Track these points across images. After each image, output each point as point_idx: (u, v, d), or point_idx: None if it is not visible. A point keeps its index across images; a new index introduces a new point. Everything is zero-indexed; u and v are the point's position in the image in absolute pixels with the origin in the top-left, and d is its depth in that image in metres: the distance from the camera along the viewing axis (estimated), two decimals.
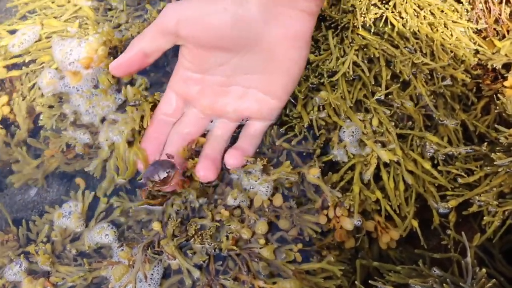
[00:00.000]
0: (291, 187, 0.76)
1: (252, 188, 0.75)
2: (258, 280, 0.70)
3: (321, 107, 0.80)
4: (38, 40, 0.89)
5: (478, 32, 0.88)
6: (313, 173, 0.76)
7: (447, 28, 0.85)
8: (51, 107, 0.84)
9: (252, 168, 0.75)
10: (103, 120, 0.81)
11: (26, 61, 0.87)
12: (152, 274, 0.72)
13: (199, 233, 0.73)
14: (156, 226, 0.74)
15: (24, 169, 0.81)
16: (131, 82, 0.83)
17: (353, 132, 0.78)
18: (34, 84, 0.85)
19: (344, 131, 0.79)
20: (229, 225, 0.73)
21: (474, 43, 0.86)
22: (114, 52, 0.85)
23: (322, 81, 0.81)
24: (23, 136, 0.83)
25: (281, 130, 0.80)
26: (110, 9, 0.91)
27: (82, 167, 0.80)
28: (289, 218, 0.74)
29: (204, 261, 0.72)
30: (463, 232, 0.71)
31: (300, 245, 0.73)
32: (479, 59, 0.86)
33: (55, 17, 0.90)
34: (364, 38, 0.84)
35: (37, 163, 0.81)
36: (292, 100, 0.80)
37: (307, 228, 0.74)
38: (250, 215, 0.74)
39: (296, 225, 0.74)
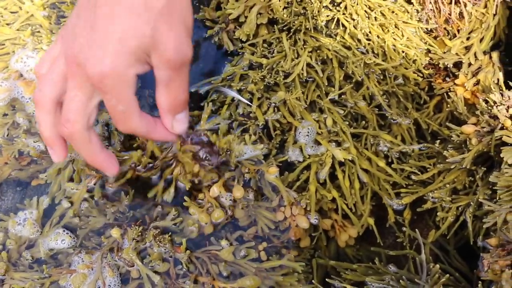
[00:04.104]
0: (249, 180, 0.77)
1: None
2: (218, 281, 0.70)
3: (276, 108, 0.80)
4: None
5: (428, 32, 0.89)
6: (271, 172, 0.76)
7: (398, 29, 0.87)
8: (4, 115, 0.83)
9: None
10: None
11: None
12: (110, 281, 0.71)
13: (158, 238, 0.72)
14: (114, 232, 0.73)
15: None
16: None
17: (308, 132, 0.79)
18: None
19: (299, 132, 0.79)
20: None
21: (425, 43, 0.88)
22: None
23: (277, 80, 0.81)
24: None
25: (235, 131, 0.80)
26: (63, 17, 0.90)
27: (36, 171, 0.79)
28: (245, 208, 0.75)
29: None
30: (417, 230, 0.72)
31: (265, 244, 0.73)
32: (431, 58, 0.87)
33: (7, 24, 0.89)
34: (317, 40, 0.84)
35: None
36: (246, 101, 0.80)
37: (261, 222, 0.74)
38: (210, 201, 0.75)
39: (251, 216, 0.75)
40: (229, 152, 0.76)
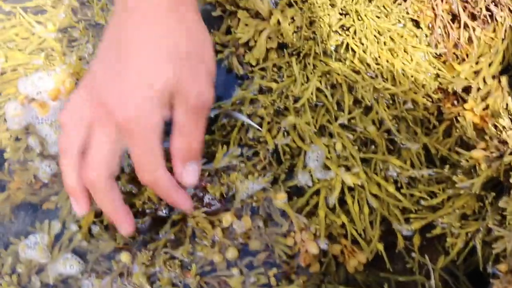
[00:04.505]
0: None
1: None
2: None
3: (285, 132, 0.81)
4: (3, 73, 0.89)
5: (437, 56, 0.90)
6: (280, 198, 0.76)
7: (407, 53, 0.87)
8: (17, 139, 0.84)
9: None
10: None
11: None
12: None
13: (168, 263, 0.72)
14: (124, 257, 0.73)
15: None
16: None
17: (317, 157, 0.79)
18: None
19: (309, 156, 0.79)
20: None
21: (434, 68, 0.88)
22: None
23: (287, 105, 0.82)
24: None
25: (246, 154, 0.80)
26: (73, 40, 0.91)
27: (48, 194, 0.80)
28: (259, 238, 0.75)
29: None
30: (426, 255, 0.72)
31: (274, 270, 0.73)
32: (440, 83, 0.87)
33: (19, 50, 0.90)
34: (326, 64, 0.85)
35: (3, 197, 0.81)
36: (256, 126, 0.81)
37: (277, 249, 0.74)
38: (222, 241, 0.74)
39: (267, 247, 0.75)
40: (234, 191, 0.76)
